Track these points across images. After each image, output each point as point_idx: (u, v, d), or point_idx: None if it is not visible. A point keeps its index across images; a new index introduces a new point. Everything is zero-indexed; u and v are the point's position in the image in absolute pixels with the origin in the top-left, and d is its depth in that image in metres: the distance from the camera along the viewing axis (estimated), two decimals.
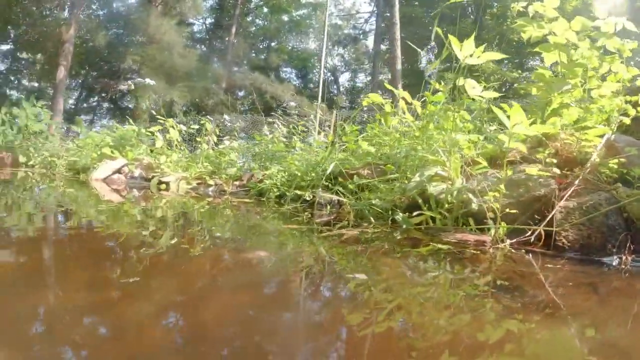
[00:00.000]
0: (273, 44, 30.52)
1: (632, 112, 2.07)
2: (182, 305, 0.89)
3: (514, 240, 1.50)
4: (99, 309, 0.82)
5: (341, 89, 35.21)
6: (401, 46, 22.04)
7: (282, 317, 0.86)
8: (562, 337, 0.78)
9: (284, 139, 4.22)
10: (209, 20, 28.84)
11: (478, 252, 1.46)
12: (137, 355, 0.63)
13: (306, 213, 2.54)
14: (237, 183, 3.66)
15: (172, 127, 4.69)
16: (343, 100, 30.12)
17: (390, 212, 1.98)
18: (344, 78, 36.40)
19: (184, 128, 4.88)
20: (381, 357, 0.68)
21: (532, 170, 1.58)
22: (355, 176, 2.42)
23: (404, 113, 2.78)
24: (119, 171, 4.38)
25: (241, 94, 28.23)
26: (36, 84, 27.88)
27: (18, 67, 27.18)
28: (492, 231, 1.52)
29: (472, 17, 27.67)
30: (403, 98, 2.56)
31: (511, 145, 1.54)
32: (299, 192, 2.69)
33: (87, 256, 1.32)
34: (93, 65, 24.78)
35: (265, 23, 30.20)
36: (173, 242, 1.59)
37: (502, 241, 1.49)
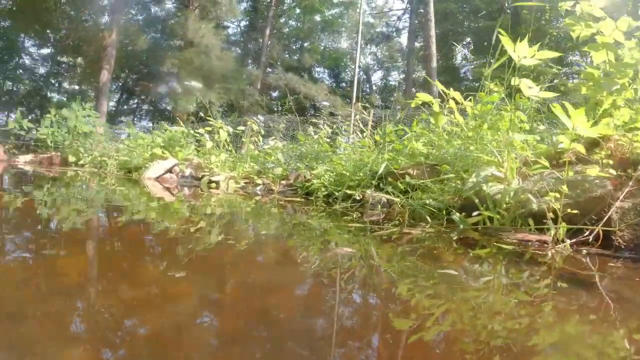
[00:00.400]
0: (306, 44, 30.79)
1: None
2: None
3: (573, 240, 1.53)
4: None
5: (374, 87, 35.04)
6: (435, 43, 21.69)
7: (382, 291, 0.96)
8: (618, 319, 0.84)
9: (328, 139, 4.33)
10: (243, 23, 29.46)
11: (540, 252, 1.51)
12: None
13: (356, 212, 2.63)
14: (283, 182, 3.80)
15: (221, 128, 4.91)
16: (376, 99, 30.02)
17: (444, 212, 2.04)
18: (376, 76, 36.20)
19: (230, 129, 5.09)
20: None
21: (593, 171, 1.60)
22: (406, 176, 2.49)
23: (453, 113, 2.81)
24: (170, 170, 4.63)
25: (275, 94, 28.69)
26: (77, 87, 29.35)
27: (58, 70, 28.72)
28: (552, 231, 1.56)
29: (509, 11, 26.86)
30: (453, 98, 2.60)
31: (571, 146, 1.57)
32: (349, 192, 2.79)
33: (179, 241, 1.47)
34: (132, 68, 25.84)
35: (298, 24, 30.50)
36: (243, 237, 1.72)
37: (563, 241, 1.53)
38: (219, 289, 1.02)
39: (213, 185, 4.00)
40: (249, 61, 28.70)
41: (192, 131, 5.46)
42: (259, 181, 3.93)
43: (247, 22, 28.95)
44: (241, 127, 5.16)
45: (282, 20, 30.22)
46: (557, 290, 1.11)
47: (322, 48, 31.64)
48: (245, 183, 4.08)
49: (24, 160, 6.70)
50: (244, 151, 4.81)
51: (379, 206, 2.62)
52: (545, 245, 1.54)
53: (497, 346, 0.70)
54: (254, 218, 2.50)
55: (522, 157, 2.06)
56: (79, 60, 23.38)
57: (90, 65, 20.84)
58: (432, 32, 20.06)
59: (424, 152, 2.65)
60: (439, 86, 2.70)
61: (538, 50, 2.06)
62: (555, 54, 2.01)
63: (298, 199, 3.34)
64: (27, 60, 28.49)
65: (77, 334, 0.68)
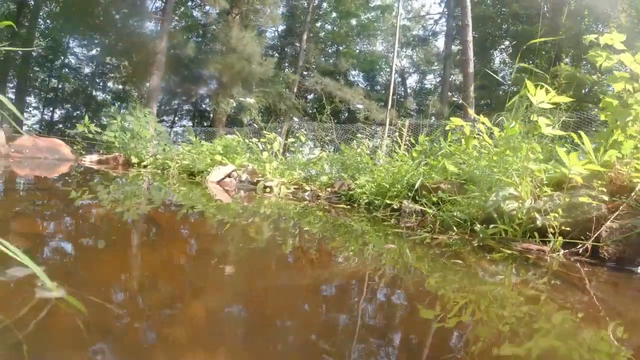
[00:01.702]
0: (341, 47, 31.25)
1: None
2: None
3: (567, 250, 1.98)
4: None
5: (409, 90, 35.08)
6: (473, 47, 21.63)
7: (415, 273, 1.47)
8: (596, 310, 1.30)
9: (368, 151, 4.84)
10: (280, 27, 30.33)
11: (538, 259, 1.97)
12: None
13: (394, 219, 3.13)
14: (329, 189, 4.34)
15: (274, 139, 5.53)
16: (411, 103, 30.10)
17: (469, 223, 2.51)
18: (412, 79, 36.21)
19: (281, 140, 5.70)
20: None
21: (584, 198, 2.04)
22: (438, 190, 2.97)
23: (481, 134, 3.26)
24: (229, 175, 5.27)
25: (310, 97, 29.37)
26: (121, 87, 31.07)
27: (103, 70, 30.48)
28: (552, 243, 2.01)
29: (548, 15, 26.37)
30: (483, 122, 3.05)
31: (570, 176, 2.01)
32: (388, 202, 3.29)
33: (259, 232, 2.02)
34: (175, 70, 27.20)
35: (334, 28, 31.00)
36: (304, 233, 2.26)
37: (558, 251, 1.98)
38: (313, 249, 1.56)
39: (267, 189, 4.60)
40: (286, 64, 29.58)
41: (247, 140, 6.11)
42: (307, 187, 4.49)
43: (285, 27, 29.79)
44: (292, 139, 5.77)
45: (319, 24, 30.87)
46: (551, 285, 1.58)
47: (357, 52, 32.00)
48: (295, 189, 4.65)
49: (90, 160, 7.57)
50: (290, 159, 5.41)
51: (414, 215, 3.11)
52: (543, 253, 2.00)
53: (504, 318, 1.20)
54: (305, 219, 3.05)
55: (538, 180, 2.50)
56: (125, 62, 24.71)
57: (136, 67, 22.21)
58: (469, 37, 20.07)
59: (454, 170, 3.12)
60: (470, 113, 3.15)
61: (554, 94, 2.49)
62: (568, 99, 2.42)
63: (342, 205, 3.87)
64: (72, 60, 30.33)
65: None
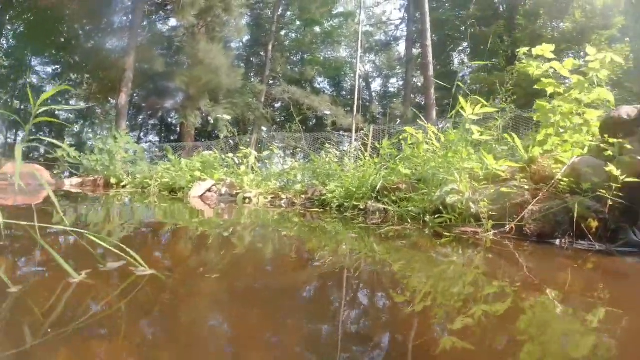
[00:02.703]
0: (307, 55, 31.79)
1: (588, 143, 2.97)
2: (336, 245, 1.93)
3: (497, 230, 2.47)
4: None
5: (374, 94, 36.02)
6: (433, 50, 22.59)
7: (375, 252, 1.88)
8: (518, 269, 1.76)
9: (336, 159, 5.28)
10: (246, 38, 30.59)
11: (472, 237, 2.44)
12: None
13: (361, 218, 3.57)
14: (303, 196, 4.74)
15: (250, 154, 5.90)
16: (376, 107, 30.97)
17: (422, 216, 2.97)
18: (376, 84, 37.17)
19: (256, 153, 6.08)
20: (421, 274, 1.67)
21: (505, 189, 2.54)
22: (397, 190, 3.43)
23: (432, 138, 3.76)
24: (209, 190, 5.59)
25: (278, 105, 29.71)
26: (82, 104, 30.43)
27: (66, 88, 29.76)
28: (485, 226, 2.49)
29: (505, 15, 27.85)
30: (433, 132, 3.54)
31: (494, 172, 2.50)
32: (355, 203, 3.73)
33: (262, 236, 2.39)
34: (140, 85, 26.95)
35: (299, 36, 31.53)
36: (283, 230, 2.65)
37: (489, 232, 2.46)
38: (290, 242, 1.96)
39: (247, 200, 4.96)
40: (252, 74, 29.84)
41: (223, 156, 6.44)
42: (283, 196, 4.88)
43: (250, 37, 30.07)
44: (266, 152, 6.15)
45: (283, 33, 31.35)
46: (485, 254, 2.04)
47: (322, 59, 32.61)
48: (272, 198, 5.03)
49: (70, 184, 7.68)
50: (265, 171, 5.80)
51: (378, 213, 3.56)
52: (477, 234, 2.48)
53: (450, 280, 1.63)
54: (286, 221, 3.44)
55: (476, 176, 3.00)
56: (89, 79, 24.33)
57: (101, 84, 22.00)
58: (429, 42, 20.99)
59: (408, 173, 3.59)
60: (421, 122, 3.65)
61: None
62: (493, 110, 2.93)
63: (316, 209, 4.28)
64: (34, 79, 29.49)
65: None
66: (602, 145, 2.77)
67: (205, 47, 17.30)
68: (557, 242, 2.35)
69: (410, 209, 3.09)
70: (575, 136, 3.02)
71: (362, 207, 3.77)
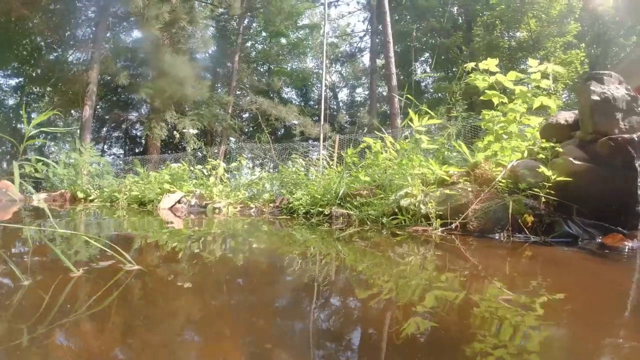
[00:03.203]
0: (273, 66, 32.05)
1: (524, 148, 3.34)
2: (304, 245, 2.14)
3: (444, 228, 2.76)
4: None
5: (341, 104, 36.69)
6: (396, 61, 23.34)
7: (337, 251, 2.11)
8: (462, 257, 2.02)
9: (303, 169, 5.51)
10: (212, 49, 30.50)
11: (423, 235, 2.72)
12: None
13: (326, 223, 3.80)
14: (272, 205, 4.93)
15: (218, 165, 6.03)
16: (343, 117, 31.56)
17: (380, 218, 3.24)
18: (343, 94, 37.87)
19: (225, 165, 6.22)
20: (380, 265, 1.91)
21: (449, 191, 2.84)
22: (358, 196, 3.69)
23: (390, 147, 4.07)
24: (179, 201, 5.66)
25: (246, 115, 29.71)
26: (45, 118, 29.32)
27: (28, 101, 28.79)
28: (433, 224, 2.78)
29: (465, 25, 29.18)
30: (390, 142, 3.84)
31: (440, 177, 2.80)
32: (320, 209, 3.96)
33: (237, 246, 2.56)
34: (104, 97, 26.31)
35: (265, 47, 31.78)
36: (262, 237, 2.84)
37: (437, 229, 2.75)
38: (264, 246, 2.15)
39: (216, 210, 5.08)
40: (219, 85, 29.74)
41: (191, 168, 6.54)
42: (252, 205, 5.05)
43: (216, 48, 30.03)
44: (234, 164, 6.30)
45: (249, 44, 31.52)
46: (434, 248, 2.31)
47: (289, 69, 32.96)
48: (241, 207, 5.18)
49: (37, 199, 7.51)
50: (234, 182, 5.95)
51: (341, 217, 3.80)
52: (427, 232, 2.76)
53: (401, 272, 1.88)
54: (256, 229, 3.62)
55: (428, 180, 3.30)
56: (51, 91, 23.61)
57: (64, 96, 21.37)
58: (391, 53, 21.69)
59: (368, 180, 3.87)
60: (374, 133, 3.94)
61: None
62: (438, 121, 3.25)
63: (284, 217, 4.48)
64: None
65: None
66: (535, 149, 3.13)
67: (170, 59, 17.22)
68: (497, 236, 2.67)
69: (370, 212, 3.35)
70: (512, 142, 3.38)
71: (327, 213, 4.00)
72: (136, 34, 23.71)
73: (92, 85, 15.36)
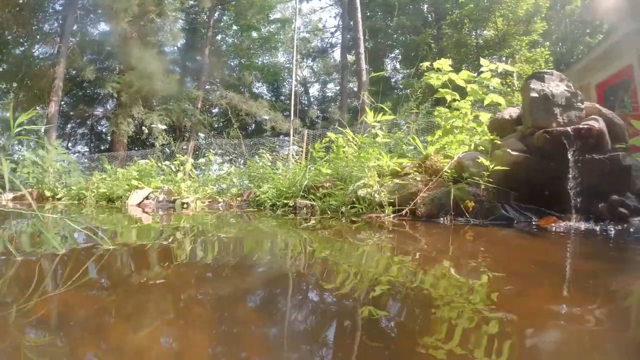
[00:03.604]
0: (244, 60, 31.73)
1: (469, 142, 3.63)
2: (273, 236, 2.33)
3: (396, 214, 3.01)
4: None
5: (312, 99, 36.82)
6: (367, 57, 23.65)
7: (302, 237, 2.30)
8: (412, 238, 2.26)
9: (269, 163, 5.68)
10: (181, 42, 29.91)
11: (377, 221, 2.97)
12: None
13: (291, 214, 4.00)
14: (239, 199, 5.07)
15: (186, 161, 6.10)
16: (314, 112, 31.74)
17: (340, 208, 3.46)
18: (314, 89, 37.99)
19: (192, 160, 6.29)
20: (334, 246, 2.12)
21: (401, 181, 3.10)
22: (320, 188, 3.90)
23: (352, 141, 4.30)
24: (147, 197, 5.71)
25: (215, 110, 29.38)
26: (7, 114, 28.22)
27: None
28: (386, 211, 3.03)
29: (434, 23, 29.85)
30: (352, 136, 4.07)
31: (393, 169, 3.05)
32: (285, 201, 4.16)
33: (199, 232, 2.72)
34: (69, 92, 25.45)
35: (236, 41, 31.42)
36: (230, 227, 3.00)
37: (389, 215, 3.00)
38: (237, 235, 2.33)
39: (185, 205, 5.18)
40: (188, 79, 29.22)
41: (159, 164, 6.58)
42: (220, 199, 5.17)
43: (185, 41, 29.46)
44: (202, 159, 6.39)
45: (220, 37, 31.12)
46: (387, 232, 2.54)
47: (260, 64, 32.69)
48: (209, 202, 5.30)
49: (5, 199, 7.34)
50: (202, 177, 6.05)
51: (305, 208, 4.01)
52: (380, 218, 3.01)
53: (356, 254, 2.09)
54: (224, 222, 3.78)
55: (384, 172, 3.55)
56: (14, 85, 22.71)
57: (29, 92, 20.58)
58: (362, 49, 21.97)
59: (330, 172, 4.09)
60: (343, 128, 4.16)
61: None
62: (392, 117, 3.50)
63: (251, 210, 4.65)
64: None
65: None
66: (476, 142, 3.43)
67: (138, 52, 16.88)
68: (442, 220, 2.94)
69: (331, 202, 3.58)
70: (459, 136, 3.67)
71: (292, 205, 4.20)
72: (103, 26, 23.06)
73: (59, 81, 14.94)
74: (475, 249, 2.05)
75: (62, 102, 26.30)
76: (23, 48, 18.22)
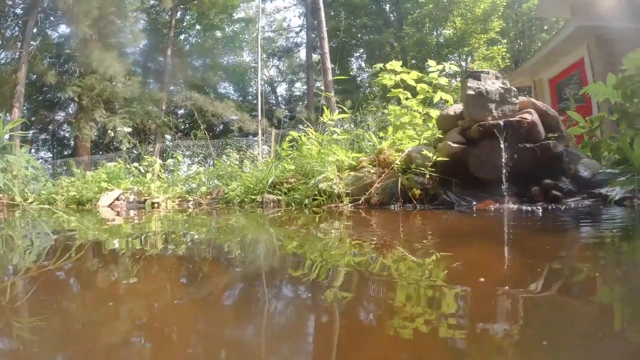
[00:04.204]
0: (208, 61, 31.36)
1: (417, 137, 4.04)
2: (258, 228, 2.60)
3: (353, 204, 3.36)
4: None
5: (279, 98, 36.92)
6: (331, 56, 24.01)
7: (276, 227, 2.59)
8: (366, 223, 2.59)
9: (237, 162, 5.92)
10: (142, 43, 29.25)
11: (336, 210, 3.30)
12: None
13: (259, 209, 4.28)
14: (209, 197, 5.29)
15: (155, 162, 6.24)
16: (282, 112, 31.90)
17: (304, 200, 3.78)
18: (281, 88, 38.07)
19: (160, 161, 6.43)
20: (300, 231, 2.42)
21: (357, 174, 3.45)
22: (285, 183, 4.21)
23: (314, 139, 4.63)
24: (117, 199, 5.81)
25: (181, 112, 28.97)
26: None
27: None
28: (344, 202, 3.37)
29: (396, 23, 30.60)
30: (313, 134, 4.39)
31: (348, 163, 3.40)
32: (253, 197, 4.43)
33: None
34: (29, 98, 24.48)
35: (199, 41, 31.01)
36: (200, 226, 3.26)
37: (347, 205, 3.35)
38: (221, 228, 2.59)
39: (155, 205, 5.35)
40: (150, 81, 28.60)
41: (127, 165, 6.67)
42: (190, 198, 5.38)
43: (147, 42, 28.83)
44: (170, 160, 6.54)
45: (182, 37, 30.66)
46: (345, 219, 2.88)
47: (225, 63, 32.37)
48: (179, 201, 5.48)
49: None
50: (170, 177, 6.22)
51: (272, 203, 4.30)
52: (339, 207, 3.35)
53: (317, 238, 2.40)
54: (196, 219, 4.02)
55: (343, 166, 3.90)
56: None
57: None
58: (326, 49, 22.31)
59: (293, 168, 4.41)
60: (308, 127, 4.48)
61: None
62: (348, 115, 3.85)
63: (221, 207, 4.89)
64: None
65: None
66: (425, 137, 3.83)
67: (99, 54, 16.54)
68: (392, 207, 3.31)
69: (295, 196, 3.89)
70: (407, 132, 4.06)
71: (259, 200, 4.48)
72: (63, 29, 22.33)
73: (20, 87, 14.48)
74: (415, 223, 2.42)
75: (23, 108, 25.24)
76: None
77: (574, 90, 9.27)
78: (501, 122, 3.73)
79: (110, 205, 5.69)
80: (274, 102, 34.77)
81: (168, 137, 24.27)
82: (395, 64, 5.09)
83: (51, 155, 29.74)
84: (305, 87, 34.42)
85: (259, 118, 13.31)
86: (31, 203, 6.51)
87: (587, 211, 2.83)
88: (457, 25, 26.45)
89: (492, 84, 4.15)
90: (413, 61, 26.45)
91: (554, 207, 3.08)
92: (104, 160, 8.48)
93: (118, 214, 5.13)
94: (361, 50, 34.48)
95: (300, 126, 4.93)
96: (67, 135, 28.67)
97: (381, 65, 5.24)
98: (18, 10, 17.62)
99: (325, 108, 3.73)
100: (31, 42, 16.40)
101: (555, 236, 1.88)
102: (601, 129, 4.91)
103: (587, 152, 4.37)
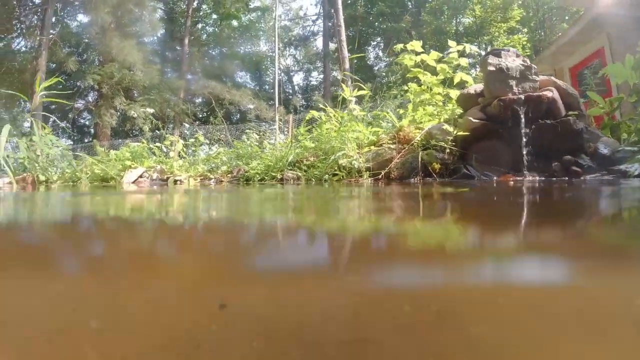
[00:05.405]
0: (225, 50, 31.50)
1: (434, 113, 4.06)
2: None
3: (373, 178, 3.42)
4: None
5: (296, 87, 36.90)
6: (348, 44, 23.83)
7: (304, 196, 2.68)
8: (371, 194, 2.66)
9: (257, 143, 6.02)
10: (160, 32, 29.54)
11: (360, 184, 3.37)
12: None
13: (279, 185, 4.37)
14: (229, 175, 5.41)
15: (177, 141, 6.41)
16: (298, 100, 31.93)
17: (324, 176, 3.86)
18: (298, 77, 38.03)
19: (182, 141, 6.59)
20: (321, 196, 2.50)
21: (376, 148, 3.50)
22: (305, 160, 4.29)
23: (333, 118, 4.69)
24: (141, 176, 5.98)
25: (199, 100, 29.27)
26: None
27: None
28: (364, 176, 3.43)
29: (414, 10, 30.16)
30: (333, 113, 4.45)
31: (371, 140, 3.45)
32: (273, 174, 4.53)
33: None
34: (49, 86, 24.99)
35: (216, 30, 31.15)
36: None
37: (367, 179, 3.41)
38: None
39: (178, 182, 5.49)
40: (168, 69, 28.90)
41: (150, 145, 6.85)
42: (212, 177, 5.50)
43: (164, 31, 29.10)
44: (192, 139, 6.70)
45: (199, 27, 30.83)
46: (365, 189, 2.94)
47: (242, 52, 32.45)
48: (201, 179, 5.62)
49: (2, 183, 7.48)
50: (192, 157, 6.37)
51: (291, 180, 4.39)
52: (359, 181, 3.42)
53: (332, 198, 2.48)
54: (219, 190, 4.13)
55: (363, 143, 3.95)
56: None
57: (9, 87, 20.25)
58: (343, 37, 22.16)
59: (312, 146, 4.48)
60: (321, 106, 4.54)
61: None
62: (366, 92, 3.88)
63: (241, 184, 5.00)
64: None
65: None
66: (442, 116, 3.85)
67: (118, 42, 16.81)
68: (412, 180, 3.36)
69: (315, 173, 3.97)
70: (427, 109, 4.08)
71: (279, 177, 4.57)
72: (81, 18, 22.71)
73: (41, 73, 14.84)
74: (430, 190, 2.47)
75: (43, 96, 25.74)
76: (3, 43, 17.95)
77: (594, 79, 9.09)
78: (522, 97, 3.72)
79: (134, 182, 5.86)
80: (290, 91, 34.79)
81: (186, 124, 24.57)
82: (416, 44, 5.08)
83: (72, 142, 30.44)
84: (322, 75, 34.34)
85: (277, 105, 13.40)
86: (55, 181, 6.73)
87: (609, 180, 2.84)
88: (477, 14, 25.94)
89: (513, 61, 4.14)
90: (431, 50, 26.00)
91: (574, 180, 3.10)
92: (128, 142, 8.70)
93: (142, 188, 5.29)
94: (378, 39, 34.10)
95: (320, 105, 4.98)
96: (87, 123, 29.33)
97: (402, 45, 5.24)
98: (37, 1, 18.00)
99: (344, 86, 3.77)
100: (51, 31, 16.73)
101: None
102: (620, 110, 4.84)
103: (607, 134, 4.32)
